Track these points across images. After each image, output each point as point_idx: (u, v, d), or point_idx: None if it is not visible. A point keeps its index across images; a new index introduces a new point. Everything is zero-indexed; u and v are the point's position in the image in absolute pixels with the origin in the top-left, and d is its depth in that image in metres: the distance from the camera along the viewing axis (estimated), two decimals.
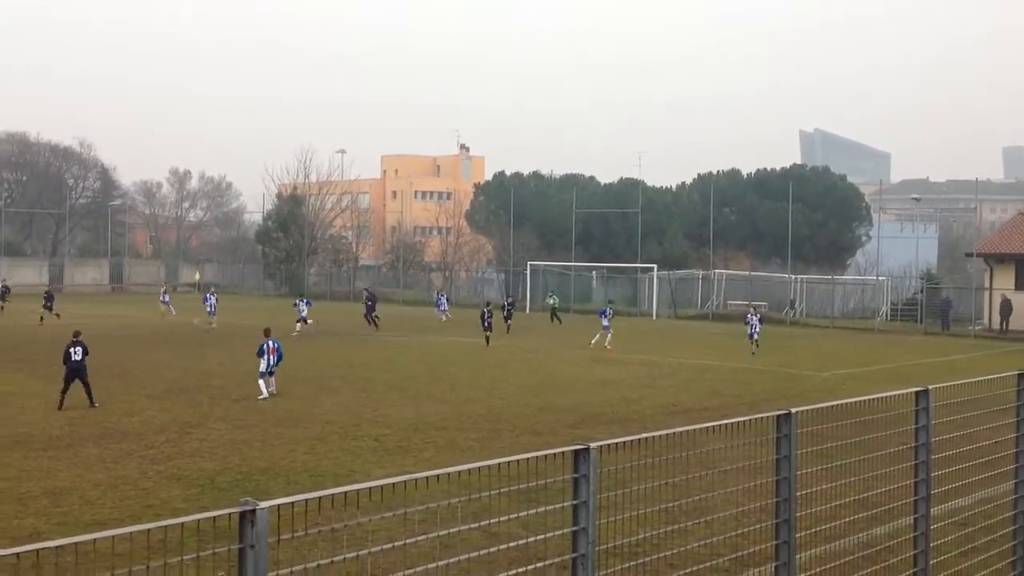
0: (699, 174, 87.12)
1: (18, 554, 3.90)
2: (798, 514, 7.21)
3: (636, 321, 57.20)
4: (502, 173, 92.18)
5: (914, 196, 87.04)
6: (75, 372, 22.11)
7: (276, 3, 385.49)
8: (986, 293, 52.11)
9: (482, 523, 5.87)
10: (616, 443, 6.05)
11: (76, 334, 22.98)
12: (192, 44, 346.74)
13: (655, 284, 62.45)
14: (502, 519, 5.70)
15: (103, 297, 73.65)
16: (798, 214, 70.07)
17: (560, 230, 73.74)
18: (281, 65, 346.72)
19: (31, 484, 14.97)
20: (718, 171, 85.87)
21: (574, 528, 5.73)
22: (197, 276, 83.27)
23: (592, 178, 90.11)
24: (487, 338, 38.63)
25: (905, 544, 8.56)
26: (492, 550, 5.87)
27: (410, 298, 68.92)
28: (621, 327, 51.66)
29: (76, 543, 4.09)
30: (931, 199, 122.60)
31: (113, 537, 4.12)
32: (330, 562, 4.91)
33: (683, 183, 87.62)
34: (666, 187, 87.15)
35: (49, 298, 48.02)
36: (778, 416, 7.12)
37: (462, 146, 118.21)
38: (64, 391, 21.88)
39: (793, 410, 7.19)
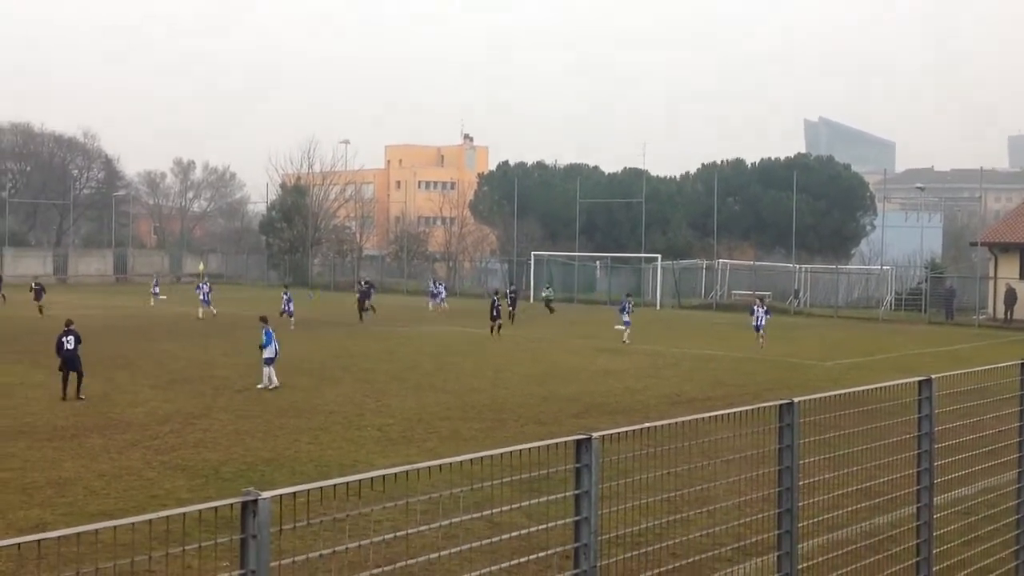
0: (703, 164, 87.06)
1: (19, 544, 3.90)
2: (800, 503, 7.21)
3: (640, 311, 57.12)
4: (506, 163, 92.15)
5: (918, 185, 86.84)
6: (69, 362, 21.99)
7: None
8: (990, 282, 52.01)
9: (485, 513, 5.88)
10: (618, 433, 6.05)
11: (68, 323, 22.87)
12: (195, 34, 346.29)
13: (659, 274, 62.42)
14: (505, 509, 5.71)
15: (107, 287, 73.75)
16: (802, 203, 69.97)
17: (564, 220, 73.70)
18: (286, 56, 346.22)
19: (36, 474, 15.01)
20: (722, 161, 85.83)
21: (576, 518, 5.73)
22: (201, 266, 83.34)
23: (596, 168, 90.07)
24: (491, 328, 38.16)
25: (908, 533, 8.56)
26: (495, 539, 5.87)
27: (414, 288, 68.94)
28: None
29: (79, 533, 4.10)
30: (935, 188, 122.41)
31: (115, 527, 4.12)
32: (332, 552, 4.92)
33: (687, 173, 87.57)
34: (670, 177, 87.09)
35: (39, 290, 47.05)
36: (780, 405, 7.11)
37: (466, 136, 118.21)
38: (64, 380, 21.89)
39: (796, 399, 7.18)
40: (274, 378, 23.70)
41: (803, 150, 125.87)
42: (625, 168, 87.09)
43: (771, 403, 7.20)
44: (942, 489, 8.80)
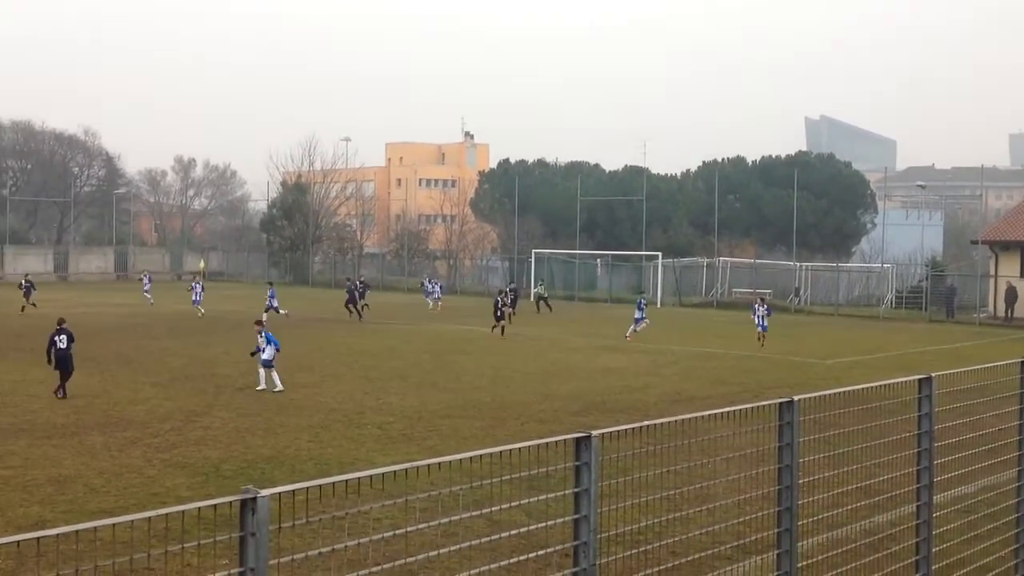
0: (704, 161, 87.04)
1: (18, 542, 3.90)
2: (800, 502, 7.21)
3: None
4: (507, 161, 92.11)
5: (919, 183, 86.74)
6: (61, 361, 21.84)
7: None
8: (991, 280, 52.00)
9: (485, 511, 5.88)
10: (618, 431, 6.05)
11: (60, 322, 22.74)
12: (196, 33, 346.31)
13: (660, 272, 62.42)
14: (505, 507, 5.71)
15: (108, 285, 73.75)
16: (803, 201, 69.93)
17: (565, 218, 73.68)
18: (286, 55, 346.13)
19: (36, 472, 15.01)
20: (723, 158, 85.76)
21: (576, 516, 5.73)
22: (202, 264, 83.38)
23: (597, 165, 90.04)
24: (493, 327, 37.76)
25: (908, 532, 8.56)
26: (494, 537, 5.88)
27: (414, 286, 68.95)
28: (625, 315, 51.68)
29: (77, 531, 4.10)
30: (936, 186, 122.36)
31: (114, 525, 4.12)
32: (331, 550, 4.92)
33: (688, 170, 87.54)
34: (671, 175, 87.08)
35: (29, 287, 46.39)
36: (780, 404, 7.11)
37: (467, 133, 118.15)
38: (65, 380, 21.84)
39: (796, 398, 7.18)
40: (277, 381, 23.09)
41: (804, 148, 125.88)
42: (626, 166, 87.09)
43: (771, 401, 7.20)
44: (942, 487, 8.80)
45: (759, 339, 35.23)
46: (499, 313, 38.09)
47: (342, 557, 5.00)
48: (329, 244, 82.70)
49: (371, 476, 4.98)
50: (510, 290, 48.03)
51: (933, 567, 8.44)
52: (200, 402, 21.62)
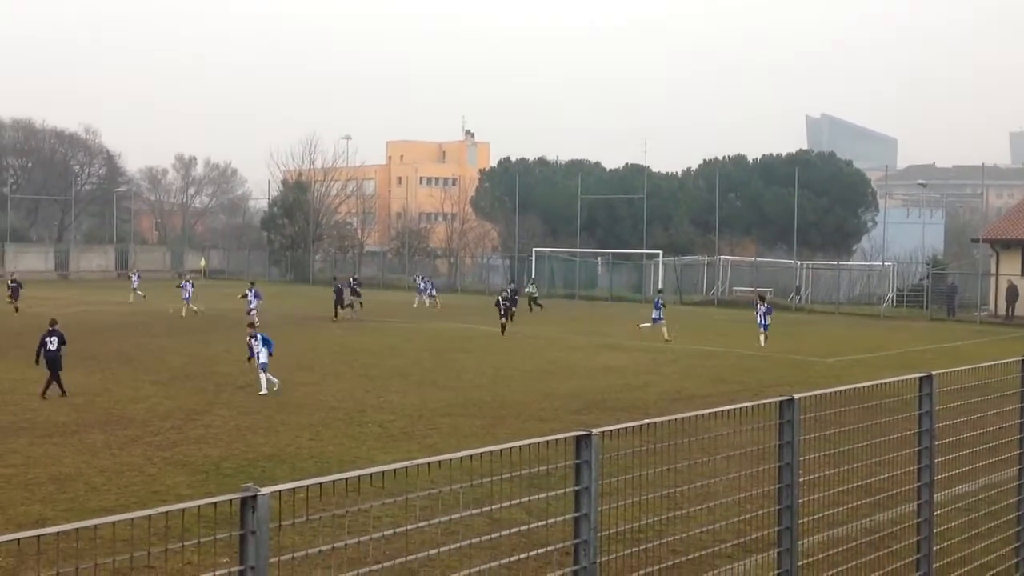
0: (704, 160, 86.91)
1: (19, 540, 3.90)
2: (801, 500, 7.20)
3: (641, 307, 57.14)
4: (507, 159, 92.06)
5: (920, 182, 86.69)
6: (50, 362, 21.71)
7: None
8: (992, 279, 51.98)
9: (485, 509, 5.87)
10: (619, 429, 6.05)
11: (52, 323, 22.63)
12: (196, 33, 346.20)
13: (660, 270, 62.43)
14: (505, 505, 5.70)
15: (109, 283, 73.73)
16: (804, 200, 69.88)
17: (565, 216, 73.65)
18: (286, 54, 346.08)
19: (37, 470, 15.02)
20: (724, 157, 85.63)
21: (576, 514, 5.73)
22: (203, 263, 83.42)
23: (598, 164, 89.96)
24: (503, 327, 37.32)
25: (909, 530, 8.56)
26: (495, 536, 5.88)
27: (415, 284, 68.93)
28: (625, 314, 51.68)
29: (78, 529, 4.10)
30: (937, 184, 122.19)
31: (115, 523, 4.12)
32: (331, 548, 4.92)
33: (688, 169, 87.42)
34: (671, 173, 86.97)
35: (15, 287, 45.73)
36: (781, 402, 7.11)
37: (467, 132, 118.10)
38: (57, 380, 21.74)
39: (796, 396, 7.18)
40: (273, 380, 22.83)
41: (805, 146, 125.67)
42: (627, 164, 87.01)
43: (772, 399, 7.20)
44: (943, 486, 8.79)
45: (760, 336, 34.85)
46: (502, 312, 37.84)
47: (342, 555, 5.00)
48: (330, 242, 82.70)
49: (371, 474, 4.98)
50: (510, 290, 48.04)
51: (934, 565, 8.44)
52: (201, 400, 21.62)
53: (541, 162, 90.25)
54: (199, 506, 4.34)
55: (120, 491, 13.90)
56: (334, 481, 4.78)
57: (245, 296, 42.26)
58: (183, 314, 43.61)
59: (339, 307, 43.96)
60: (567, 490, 5.78)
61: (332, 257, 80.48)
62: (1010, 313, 49.50)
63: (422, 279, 56.43)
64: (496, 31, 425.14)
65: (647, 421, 6.41)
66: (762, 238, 75.95)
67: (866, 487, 8.42)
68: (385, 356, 30.40)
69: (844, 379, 24.61)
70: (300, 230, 79.65)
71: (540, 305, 51.34)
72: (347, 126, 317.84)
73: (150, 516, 4.14)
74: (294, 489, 4.58)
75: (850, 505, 8.17)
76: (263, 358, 22.81)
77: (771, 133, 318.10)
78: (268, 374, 22.88)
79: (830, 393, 7.79)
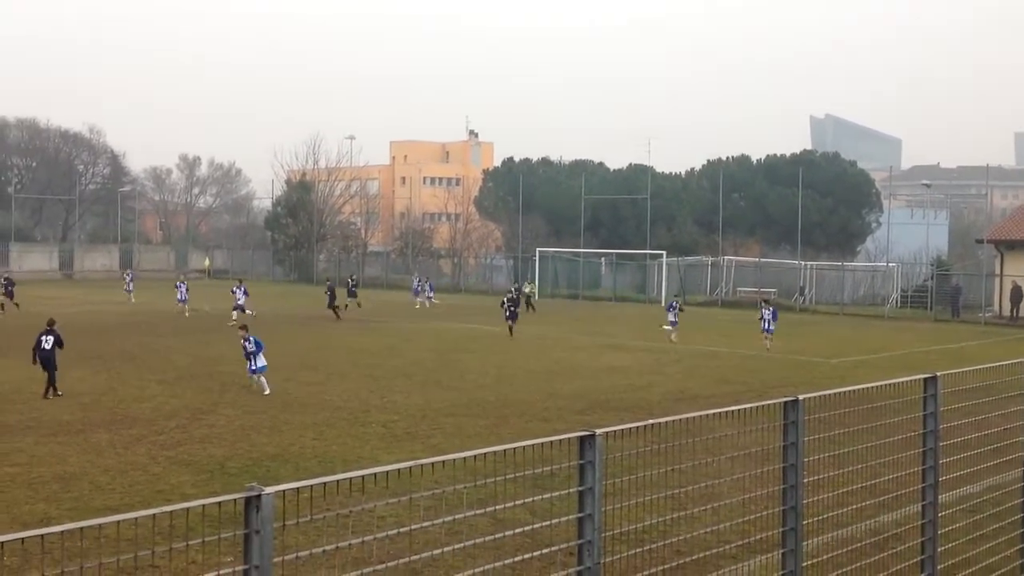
0: (708, 160, 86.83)
1: (23, 539, 3.91)
2: (805, 501, 7.20)
3: (645, 308, 57.15)
4: (511, 159, 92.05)
5: (924, 182, 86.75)
6: (44, 362, 21.59)
7: None
8: (996, 280, 51.92)
9: (489, 509, 5.87)
10: (622, 429, 6.05)
11: (50, 323, 22.51)
12: (201, 31, 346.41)
13: (664, 271, 62.38)
14: (509, 505, 5.70)
15: (113, 283, 73.75)
16: (808, 200, 69.82)
17: (569, 216, 73.62)
18: (290, 54, 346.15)
19: (42, 470, 15.04)
20: (728, 157, 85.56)
21: (580, 514, 5.73)
22: (207, 262, 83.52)
23: (601, 164, 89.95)
24: (511, 328, 36.87)
25: (913, 531, 8.55)
26: (499, 536, 5.88)
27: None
28: (629, 314, 51.70)
29: (82, 528, 4.10)
30: (942, 185, 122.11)
31: (119, 522, 4.13)
32: (335, 547, 4.92)
33: (692, 169, 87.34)
34: (675, 173, 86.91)
35: (9, 284, 45.75)
36: (785, 403, 7.10)
37: (471, 132, 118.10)
38: (51, 380, 21.60)
39: (800, 397, 7.17)
40: (265, 385, 22.48)
41: (809, 147, 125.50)
42: (630, 164, 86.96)
43: (776, 400, 7.19)
44: (947, 487, 8.78)
45: (764, 340, 33.78)
46: (508, 314, 37.58)
47: (346, 555, 5.00)
48: (333, 242, 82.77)
49: (375, 474, 4.98)
50: (515, 290, 48.02)
51: (939, 567, 8.43)
52: (205, 400, 21.64)
53: (545, 162, 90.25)
54: (203, 505, 4.34)
55: (125, 490, 13.92)
56: (338, 481, 4.78)
57: (234, 293, 42.32)
58: (186, 314, 43.72)
59: (331, 307, 43.93)
60: (571, 490, 5.78)
61: (336, 257, 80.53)
62: (1015, 314, 49.43)
63: (417, 280, 56.45)
64: (496, 31, 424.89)
65: (651, 421, 6.40)
66: (766, 239, 75.88)
67: (871, 488, 8.41)
68: (389, 356, 30.41)
69: (848, 380, 24.59)
70: (304, 230, 79.72)
71: (533, 307, 51.06)
72: (349, 126, 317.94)
73: (154, 515, 4.15)
74: (298, 489, 4.58)
75: (855, 506, 8.16)
76: (261, 362, 22.71)
77: (775, 133, 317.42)
78: (263, 377, 22.67)
79: (834, 394, 7.78)
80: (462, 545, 5.60)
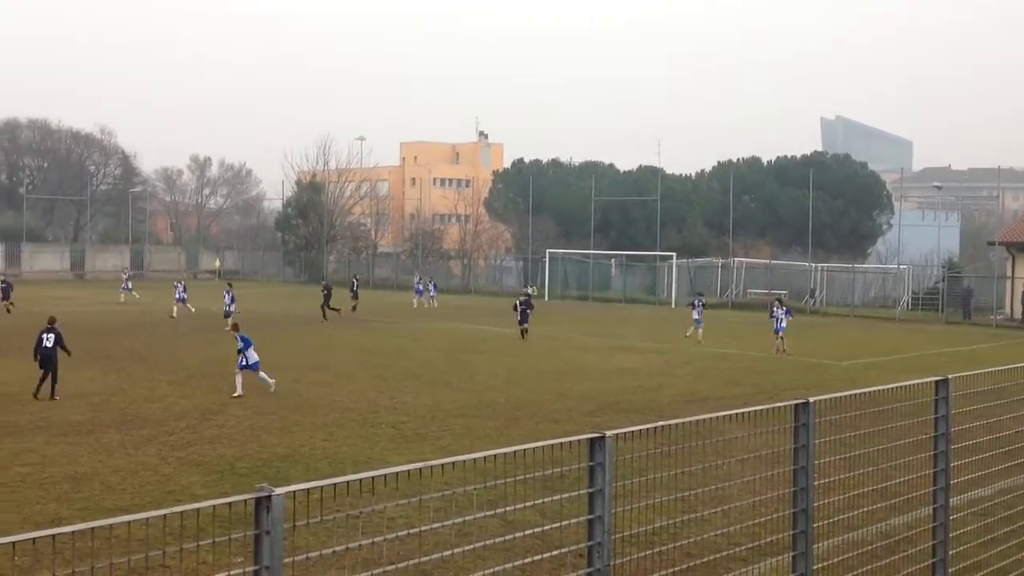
0: (719, 161, 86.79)
1: (34, 539, 3.92)
2: (816, 503, 7.18)
3: (655, 309, 57.11)
4: (521, 160, 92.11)
5: (936, 184, 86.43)
6: (44, 360, 21.47)
7: None
8: (1008, 282, 51.72)
9: (499, 510, 5.87)
10: (632, 431, 6.04)
11: (51, 321, 22.40)
12: (201, 31, 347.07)
13: (674, 272, 62.32)
14: (519, 507, 5.70)
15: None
16: (819, 202, 69.68)
17: (579, 218, 73.61)
18: (290, 54, 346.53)
19: (53, 470, 15.08)
20: (738, 159, 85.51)
21: (590, 516, 5.72)
22: (217, 263, 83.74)
23: (611, 165, 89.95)
24: (523, 331, 36.67)
25: (924, 534, 8.52)
26: (508, 537, 5.87)
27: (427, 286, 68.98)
28: (639, 315, 51.65)
29: (93, 528, 4.11)
30: (953, 187, 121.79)
31: (130, 523, 4.13)
32: (345, 548, 4.92)
33: (702, 171, 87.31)
34: (685, 175, 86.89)
35: (6, 287, 45.58)
36: (796, 405, 7.08)
37: (481, 133, 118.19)
38: (41, 379, 21.48)
39: (811, 399, 7.16)
40: (238, 384, 22.29)
41: (820, 148, 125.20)
42: (640, 166, 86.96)
43: (786, 403, 7.17)
44: (959, 490, 8.75)
45: (776, 341, 33.30)
46: (521, 317, 37.25)
47: (356, 556, 5.01)
48: (343, 243, 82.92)
49: (385, 475, 4.98)
50: (528, 294, 47.95)
51: (950, 570, 8.40)
52: (215, 400, 21.69)
53: (554, 164, 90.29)
54: (214, 506, 4.35)
55: (135, 490, 13.95)
56: (348, 482, 4.78)
57: (224, 296, 42.16)
58: (173, 314, 43.30)
59: (325, 308, 43.67)
60: (581, 492, 5.77)
61: (346, 258, 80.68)
62: None
63: (419, 280, 56.44)
64: (496, 31, 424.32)
65: (661, 423, 6.39)
66: (777, 240, 75.76)
67: (882, 491, 8.38)
68: (398, 357, 30.43)
69: (859, 382, 24.49)
70: (314, 231, 79.87)
71: (532, 307, 50.79)
72: (350, 126, 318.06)
73: (165, 516, 4.16)
74: (308, 489, 4.59)
75: (865, 509, 8.14)
76: (253, 357, 22.60)
77: (785, 135, 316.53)
78: (240, 377, 22.52)
79: (845, 396, 7.76)
80: (472, 546, 5.60)
